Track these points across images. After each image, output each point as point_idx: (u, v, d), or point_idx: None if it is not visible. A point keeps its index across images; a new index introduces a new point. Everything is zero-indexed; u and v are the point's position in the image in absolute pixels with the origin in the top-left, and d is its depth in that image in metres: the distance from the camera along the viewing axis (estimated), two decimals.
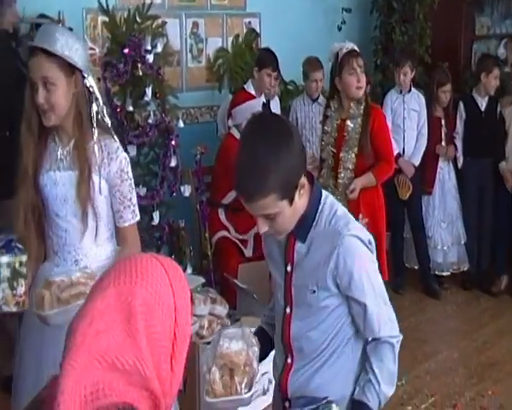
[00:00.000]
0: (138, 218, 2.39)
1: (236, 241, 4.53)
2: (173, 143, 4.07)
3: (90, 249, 2.30)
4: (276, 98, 5.19)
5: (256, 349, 1.83)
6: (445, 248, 5.39)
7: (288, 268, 1.88)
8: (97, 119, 2.26)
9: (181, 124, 4.25)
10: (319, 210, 1.83)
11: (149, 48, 4.07)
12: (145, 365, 1.05)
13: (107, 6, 4.14)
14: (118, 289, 1.08)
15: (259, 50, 5.29)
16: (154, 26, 4.26)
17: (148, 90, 4.01)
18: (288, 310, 1.91)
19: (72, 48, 2.18)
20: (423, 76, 5.96)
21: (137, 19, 4.20)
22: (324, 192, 1.88)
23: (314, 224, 1.83)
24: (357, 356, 1.93)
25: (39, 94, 2.16)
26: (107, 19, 4.19)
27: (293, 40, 5.79)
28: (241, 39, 5.64)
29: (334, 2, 6.27)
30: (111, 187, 2.29)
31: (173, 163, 4.05)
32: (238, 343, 1.80)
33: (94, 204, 2.25)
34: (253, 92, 4.79)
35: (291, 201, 1.74)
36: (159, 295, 1.10)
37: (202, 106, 5.41)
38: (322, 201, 1.85)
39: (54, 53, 2.13)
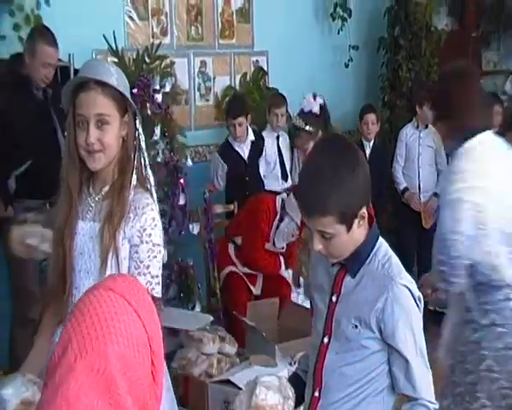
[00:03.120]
0: (157, 295, 1.98)
1: (244, 278, 4.50)
2: (182, 181, 4.09)
3: None
4: (285, 134, 5.23)
5: (291, 403, 1.79)
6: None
7: (334, 299, 1.86)
8: (137, 168, 2.02)
9: (189, 162, 4.28)
10: (374, 250, 1.82)
11: (158, 87, 4.12)
12: None
13: (117, 47, 4.20)
14: (87, 362, 0.98)
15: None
16: (162, 65, 4.32)
17: (157, 130, 4.05)
18: (325, 340, 1.87)
19: (124, 83, 1.98)
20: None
21: (146, 59, 4.26)
22: (381, 238, 1.87)
23: (367, 262, 1.81)
24: None
25: (91, 133, 1.90)
26: (116, 60, 4.24)
27: (301, 78, 5.82)
28: (248, 77, 5.69)
29: (341, 40, 6.32)
30: (131, 247, 1.97)
31: (182, 201, 4.06)
32: (275, 396, 1.76)
33: (117, 258, 1.95)
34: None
35: (349, 228, 1.74)
36: (131, 339, 1.03)
37: (211, 144, 5.42)
38: (378, 243, 1.85)
39: (112, 86, 1.91)
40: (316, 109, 4.54)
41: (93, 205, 2.03)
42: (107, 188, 2.02)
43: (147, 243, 1.96)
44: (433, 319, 5.24)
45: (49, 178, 3.74)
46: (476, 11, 6.63)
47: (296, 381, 1.99)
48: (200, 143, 5.28)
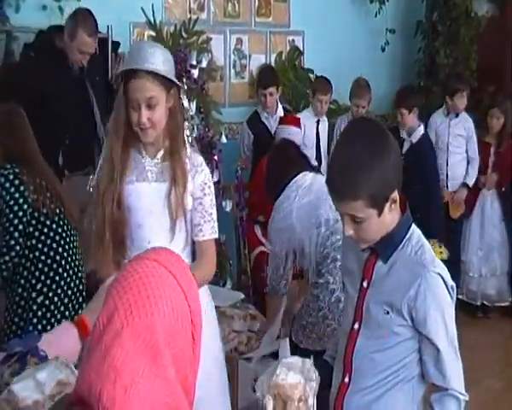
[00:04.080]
0: (217, 235, 2.36)
1: None
2: (216, 158, 4.07)
3: None
4: (325, 119, 5.19)
5: (314, 385, 1.76)
6: (476, 275, 5.27)
7: (364, 284, 1.84)
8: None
9: (224, 139, 4.26)
10: (408, 236, 1.80)
11: (195, 63, 4.09)
12: (176, 398, 1.02)
13: (155, 21, 4.18)
14: (134, 330, 1.00)
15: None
16: (199, 41, 4.29)
17: (193, 105, 4.03)
18: (356, 326, 1.86)
19: (170, 63, 2.22)
20: (469, 101, 5.87)
21: (183, 34, 4.24)
22: (414, 225, 1.85)
23: (400, 247, 1.79)
24: (418, 400, 1.85)
25: (143, 114, 2.16)
26: (153, 33, 4.23)
27: (337, 59, 5.77)
28: (284, 57, 5.64)
29: (378, 23, 6.23)
30: (194, 200, 2.28)
31: (216, 178, 4.04)
32: (296, 376, 1.74)
33: (184, 215, 2.26)
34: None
35: (380, 212, 1.72)
36: (175, 310, 1.04)
37: None
38: (411, 229, 1.82)
39: (158, 73, 2.15)
40: None
41: (153, 167, 2.28)
42: (162, 152, 2.28)
43: (209, 194, 2.31)
44: (465, 308, 5.22)
45: (87, 150, 3.80)
46: None
47: (324, 365, 1.98)
48: (234, 121, 5.25)
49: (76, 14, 3.76)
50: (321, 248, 2.69)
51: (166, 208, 2.23)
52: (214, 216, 2.34)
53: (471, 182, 5.14)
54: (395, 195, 1.73)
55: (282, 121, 4.52)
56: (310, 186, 2.78)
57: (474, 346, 4.88)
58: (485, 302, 5.31)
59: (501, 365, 4.63)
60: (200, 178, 2.28)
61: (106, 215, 2.23)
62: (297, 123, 4.49)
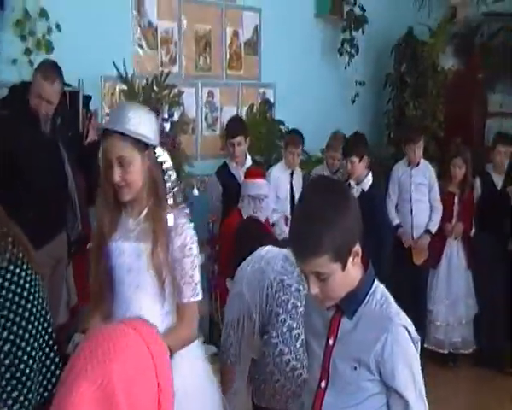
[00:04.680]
0: (199, 297, 2.33)
1: None
2: (187, 211, 4.04)
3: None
4: (299, 171, 5.23)
5: None
6: (443, 324, 5.30)
7: (330, 341, 1.83)
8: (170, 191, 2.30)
9: (195, 192, 4.25)
10: (371, 290, 1.81)
11: (166, 116, 4.10)
12: None
13: (126, 74, 4.20)
14: (92, 375, 1.02)
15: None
16: (171, 95, 4.31)
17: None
18: (323, 384, 1.84)
19: (146, 124, 2.24)
20: (436, 151, 5.99)
21: (155, 87, 4.26)
22: (376, 280, 1.86)
23: (364, 302, 1.80)
24: None
25: (115, 173, 2.20)
26: (125, 87, 4.24)
27: (307, 111, 5.85)
28: (255, 109, 5.70)
29: (348, 75, 6.35)
30: (174, 261, 2.28)
31: None
32: None
33: (166, 275, 2.27)
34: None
35: (344, 265, 1.72)
36: (138, 365, 1.05)
37: None
38: (375, 284, 1.83)
39: (128, 134, 2.19)
40: None
41: (135, 227, 2.31)
42: (144, 212, 2.30)
43: (189, 256, 2.28)
44: (434, 359, 5.22)
45: (57, 212, 3.71)
46: (482, 52, 6.68)
47: None
48: (205, 173, 5.26)
49: (39, 64, 3.76)
50: (268, 307, 2.69)
51: (147, 268, 2.26)
52: (196, 278, 2.31)
53: (434, 228, 5.18)
54: (357, 248, 1.74)
55: (246, 175, 4.51)
56: (265, 254, 2.79)
57: (445, 397, 4.88)
58: (451, 350, 5.33)
59: None
60: (180, 240, 2.27)
61: (94, 273, 2.34)
62: (260, 175, 4.49)
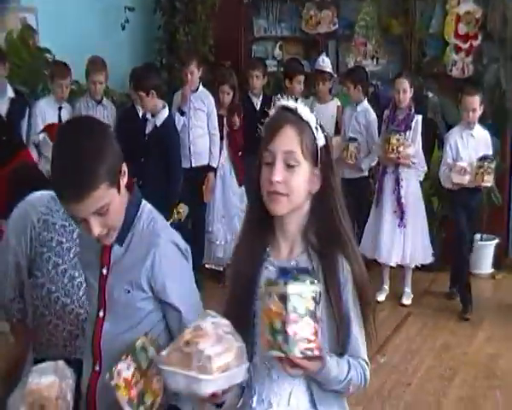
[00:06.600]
0: None
1: None
2: None
3: None
4: (66, 104, 5.05)
5: (70, 382, 1.81)
6: (222, 243, 5.53)
7: (104, 271, 1.84)
8: None
9: None
10: (138, 213, 1.83)
11: None
12: None
13: None
14: None
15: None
16: None
17: None
18: (101, 314, 1.86)
19: None
20: (208, 75, 6.09)
21: None
22: (143, 200, 1.88)
23: (132, 226, 1.82)
24: None
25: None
26: None
27: (74, 38, 5.57)
28: (15, 35, 5.31)
29: (115, 1, 6.15)
30: None
31: None
32: (49, 377, 1.76)
33: None
34: None
35: (119, 187, 1.73)
36: None
37: None
38: (141, 205, 1.85)
39: None
40: None
41: None
42: None
43: None
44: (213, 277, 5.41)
45: None
46: None
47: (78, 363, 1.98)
48: None
49: None
50: (33, 250, 2.60)
51: None
52: None
53: (215, 163, 5.33)
54: (124, 167, 1.76)
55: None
56: (29, 197, 2.65)
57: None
58: None
59: None
60: None
61: None
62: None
